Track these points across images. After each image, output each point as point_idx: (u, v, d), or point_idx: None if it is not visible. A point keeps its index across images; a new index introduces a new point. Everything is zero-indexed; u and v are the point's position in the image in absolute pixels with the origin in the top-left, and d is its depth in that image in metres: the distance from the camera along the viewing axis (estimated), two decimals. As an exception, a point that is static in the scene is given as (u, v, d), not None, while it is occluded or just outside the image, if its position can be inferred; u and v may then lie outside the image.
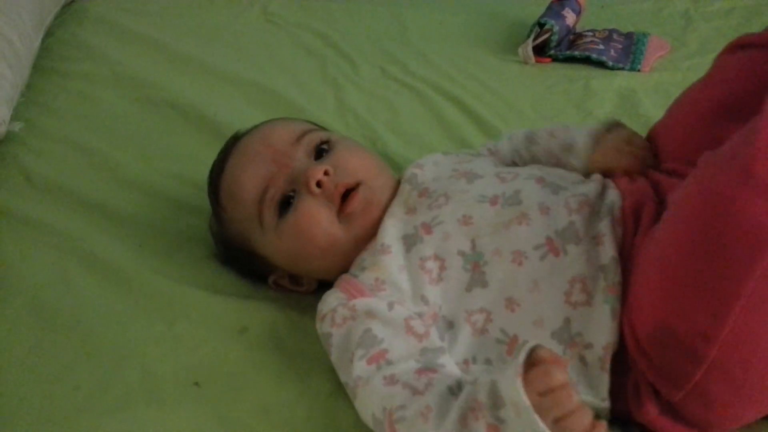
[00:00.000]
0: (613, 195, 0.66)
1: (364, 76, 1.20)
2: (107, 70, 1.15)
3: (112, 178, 0.91)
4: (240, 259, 0.76)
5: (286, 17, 1.38)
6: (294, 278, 0.74)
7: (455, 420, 0.52)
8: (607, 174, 0.71)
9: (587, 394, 0.57)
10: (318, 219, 0.68)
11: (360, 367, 0.59)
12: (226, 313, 0.71)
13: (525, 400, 0.48)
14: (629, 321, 0.57)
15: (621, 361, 0.58)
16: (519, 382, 0.48)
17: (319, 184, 0.67)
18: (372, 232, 0.69)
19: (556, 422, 0.48)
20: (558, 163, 0.78)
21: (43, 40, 1.21)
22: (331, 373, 0.65)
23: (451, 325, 0.64)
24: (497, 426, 0.50)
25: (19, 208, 0.84)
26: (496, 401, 0.51)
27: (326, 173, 0.68)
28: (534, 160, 0.81)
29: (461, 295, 0.63)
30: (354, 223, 0.68)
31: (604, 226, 0.62)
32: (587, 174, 0.73)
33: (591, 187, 0.68)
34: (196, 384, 0.64)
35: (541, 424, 0.47)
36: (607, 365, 0.58)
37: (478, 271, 0.64)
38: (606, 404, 0.58)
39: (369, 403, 0.58)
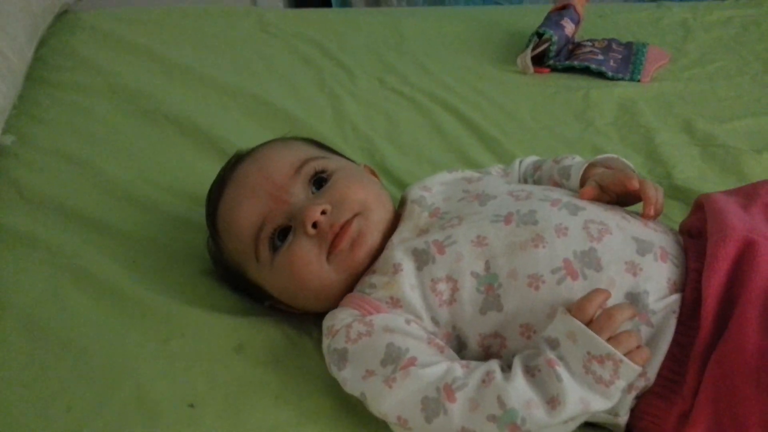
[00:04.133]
0: (650, 234, 0.65)
1: (362, 86, 1.19)
2: (101, 80, 1.14)
3: (105, 192, 0.90)
4: (237, 283, 0.75)
5: (282, 27, 1.37)
6: (291, 305, 0.73)
7: (521, 374, 0.57)
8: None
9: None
10: (308, 262, 0.66)
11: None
12: (222, 331, 0.70)
13: (578, 323, 0.56)
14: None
15: (667, 387, 0.58)
16: (569, 315, 0.57)
17: (315, 225, 0.66)
18: (365, 267, 0.67)
19: (608, 341, 0.56)
20: (557, 186, 0.77)
21: (36, 50, 1.20)
22: (332, 390, 0.64)
23: (464, 345, 0.63)
24: (557, 361, 0.56)
25: (11, 223, 0.83)
26: (551, 344, 0.57)
27: (323, 212, 0.66)
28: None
29: (475, 318, 0.62)
30: (343, 263, 0.67)
31: (646, 261, 0.62)
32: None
33: (613, 216, 0.66)
34: (191, 406, 0.62)
35: (597, 337, 0.55)
36: (633, 390, 0.59)
37: (492, 294, 0.62)
38: (622, 420, 0.60)
39: (416, 389, 0.57)
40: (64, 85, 1.12)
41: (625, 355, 0.56)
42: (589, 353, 0.56)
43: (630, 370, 0.55)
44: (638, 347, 0.57)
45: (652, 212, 0.67)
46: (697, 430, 0.57)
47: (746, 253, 0.61)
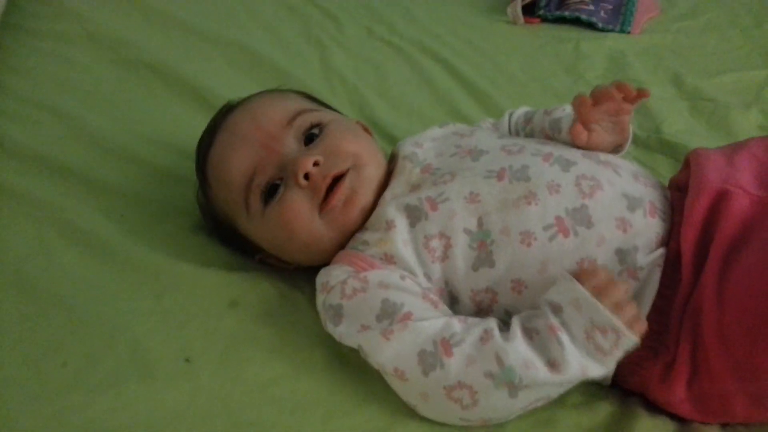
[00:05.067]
0: (640, 189, 0.65)
1: (349, 36, 1.16)
2: (80, 28, 1.10)
3: (89, 144, 0.88)
4: (227, 236, 0.74)
5: (267, -27, 1.33)
6: (281, 258, 0.72)
7: (520, 335, 0.57)
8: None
9: None
10: (299, 214, 0.66)
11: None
12: (215, 287, 0.70)
13: (584, 291, 0.56)
14: (719, 309, 0.56)
15: (652, 338, 0.59)
16: (576, 282, 0.57)
17: (307, 176, 0.65)
18: (356, 225, 0.67)
19: (610, 310, 0.55)
20: (549, 140, 0.76)
21: (11, -4, 1.15)
22: (326, 344, 0.65)
23: (456, 301, 0.63)
24: (559, 327, 0.56)
25: (-7, 177, 0.81)
26: (554, 309, 0.57)
27: (316, 164, 0.65)
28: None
29: (467, 274, 0.63)
30: (335, 219, 0.66)
31: (635, 218, 0.62)
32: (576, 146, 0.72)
33: (604, 171, 0.66)
34: (187, 360, 0.62)
35: (602, 307, 0.55)
36: None
37: (484, 251, 0.63)
38: (609, 372, 0.60)
39: (413, 342, 0.58)
40: (42, 33, 1.08)
41: (626, 324, 0.56)
42: (592, 322, 0.56)
43: (630, 341, 0.56)
44: (637, 318, 0.57)
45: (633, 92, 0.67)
46: (680, 379, 0.59)
47: (719, 203, 0.61)
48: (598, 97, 0.68)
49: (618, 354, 0.56)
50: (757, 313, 0.54)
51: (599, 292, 0.56)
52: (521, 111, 0.84)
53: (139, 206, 0.80)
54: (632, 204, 0.64)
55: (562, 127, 0.75)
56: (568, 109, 0.78)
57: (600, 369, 0.57)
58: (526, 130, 0.81)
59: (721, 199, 0.62)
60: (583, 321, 0.56)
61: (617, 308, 0.56)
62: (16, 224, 0.76)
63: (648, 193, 0.66)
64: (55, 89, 0.97)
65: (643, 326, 0.57)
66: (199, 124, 0.77)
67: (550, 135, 0.77)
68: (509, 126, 0.83)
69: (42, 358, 0.62)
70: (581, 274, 0.58)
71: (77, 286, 0.69)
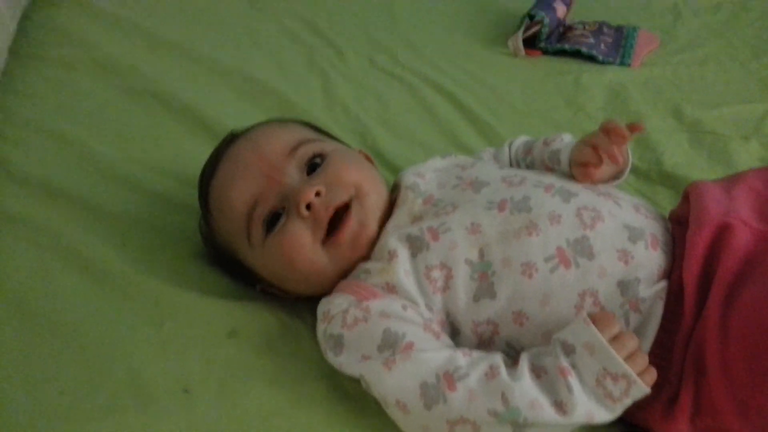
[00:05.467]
0: (642, 221, 0.65)
1: (352, 66, 1.17)
2: (86, 55, 1.11)
3: (93, 171, 0.88)
4: (228, 264, 0.74)
5: (271, 3, 1.35)
6: (282, 288, 0.72)
7: (527, 373, 0.57)
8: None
9: None
10: (301, 244, 0.66)
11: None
12: (215, 315, 0.69)
13: (601, 338, 0.55)
14: (723, 342, 0.56)
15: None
16: (593, 326, 0.56)
17: (309, 206, 0.65)
18: (361, 257, 0.67)
19: (624, 360, 0.55)
20: (549, 171, 0.77)
21: (19, 24, 1.16)
22: (326, 375, 0.64)
23: (457, 332, 0.63)
24: (570, 370, 0.56)
25: (-3, 202, 0.81)
26: (565, 350, 0.57)
27: (318, 194, 0.66)
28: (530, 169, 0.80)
29: (468, 305, 0.63)
30: (342, 253, 0.66)
31: (637, 249, 0.62)
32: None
33: (605, 203, 0.66)
34: (186, 390, 0.62)
35: (617, 355, 0.55)
36: None
37: (486, 282, 0.62)
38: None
39: (415, 373, 0.57)
40: (48, 59, 1.09)
41: (637, 375, 0.55)
42: (605, 369, 0.55)
43: (640, 390, 0.55)
44: (648, 369, 0.57)
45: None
46: (683, 415, 0.58)
47: (721, 236, 0.62)
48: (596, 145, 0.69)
49: (627, 402, 0.56)
50: (760, 349, 0.54)
51: (615, 341, 0.56)
52: (520, 141, 0.84)
53: (140, 233, 0.80)
54: (633, 235, 0.64)
55: (561, 159, 0.75)
56: (566, 139, 0.78)
57: (607, 415, 0.56)
58: (526, 160, 0.81)
59: (722, 232, 0.62)
60: (596, 366, 0.56)
61: (630, 358, 0.56)
62: (17, 249, 0.76)
63: (649, 225, 0.66)
64: (60, 115, 0.98)
65: (653, 376, 0.57)
66: (202, 152, 0.78)
67: (550, 167, 0.77)
68: (509, 156, 0.83)
69: (40, 385, 0.62)
70: (596, 319, 0.57)
71: (77, 312, 0.69)
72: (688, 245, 0.62)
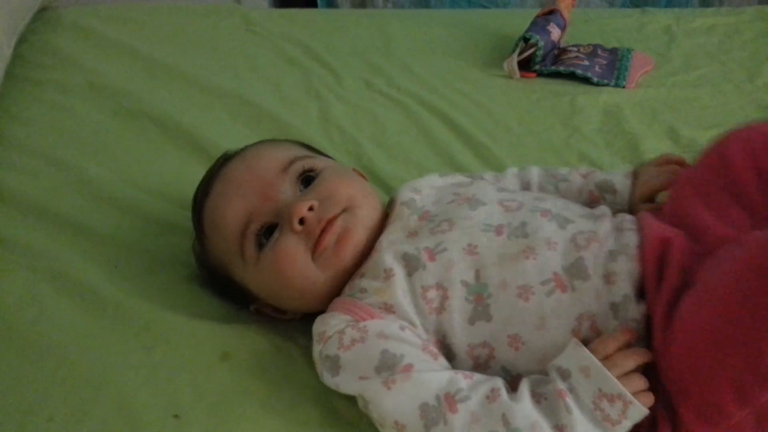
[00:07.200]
0: (629, 235, 0.65)
1: (348, 88, 1.17)
2: (82, 79, 1.11)
3: (87, 194, 0.88)
4: (222, 285, 0.73)
5: (267, 27, 1.35)
6: (276, 307, 0.71)
7: (528, 397, 0.56)
8: (634, 210, 0.74)
9: None
10: (293, 259, 0.65)
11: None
12: (206, 339, 0.68)
13: (593, 359, 0.55)
14: (668, 355, 0.56)
15: None
16: (585, 349, 0.56)
17: (302, 221, 0.65)
18: (351, 267, 0.67)
19: (619, 380, 0.55)
20: (591, 201, 0.78)
21: (16, 47, 1.17)
22: (320, 399, 0.63)
23: (452, 355, 0.62)
24: (567, 393, 0.55)
25: (-11, 226, 0.81)
26: (561, 375, 0.57)
27: (311, 208, 0.65)
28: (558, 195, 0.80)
29: (464, 327, 0.62)
30: (328, 261, 0.66)
31: (618, 265, 0.61)
32: (630, 210, 0.75)
33: (601, 225, 0.66)
34: (176, 416, 0.61)
35: (611, 376, 0.55)
36: None
37: (481, 304, 0.62)
38: None
39: (415, 394, 0.56)
40: (44, 83, 1.09)
41: (633, 395, 0.55)
42: (600, 390, 0.55)
43: (638, 411, 0.55)
44: (645, 390, 0.56)
45: None
46: (664, 430, 0.57)
47: (665, 253, 0.61)
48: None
49: (626, 424, 0.55)
50: (695, 367, 0.54)
51: (608, 361, 0.56)
52: (537, 169, 0.83)
53: (133, 256, 0.80)
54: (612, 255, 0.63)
55: (616, 189, 0.78)
56: (606, 174, 0.81)
57: None
58: (559, 186, 0.80)
59: (666, 248, 0.62)
60: (591, 388, 0.55)
61: (626, 377, 0.56)
62: (8, 273, 0.75)
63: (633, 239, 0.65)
64: (55, 138, 0.97)
65: (650, 399, 0.56)
66: (198, 175, 0.77)
67: (597, 195, 0.78)
68: (530, 183, 0.82)
69: (29, 412, 0.61)
70: (590, 342, 0.57)
71: (67, 336, 0.68)
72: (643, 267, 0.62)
